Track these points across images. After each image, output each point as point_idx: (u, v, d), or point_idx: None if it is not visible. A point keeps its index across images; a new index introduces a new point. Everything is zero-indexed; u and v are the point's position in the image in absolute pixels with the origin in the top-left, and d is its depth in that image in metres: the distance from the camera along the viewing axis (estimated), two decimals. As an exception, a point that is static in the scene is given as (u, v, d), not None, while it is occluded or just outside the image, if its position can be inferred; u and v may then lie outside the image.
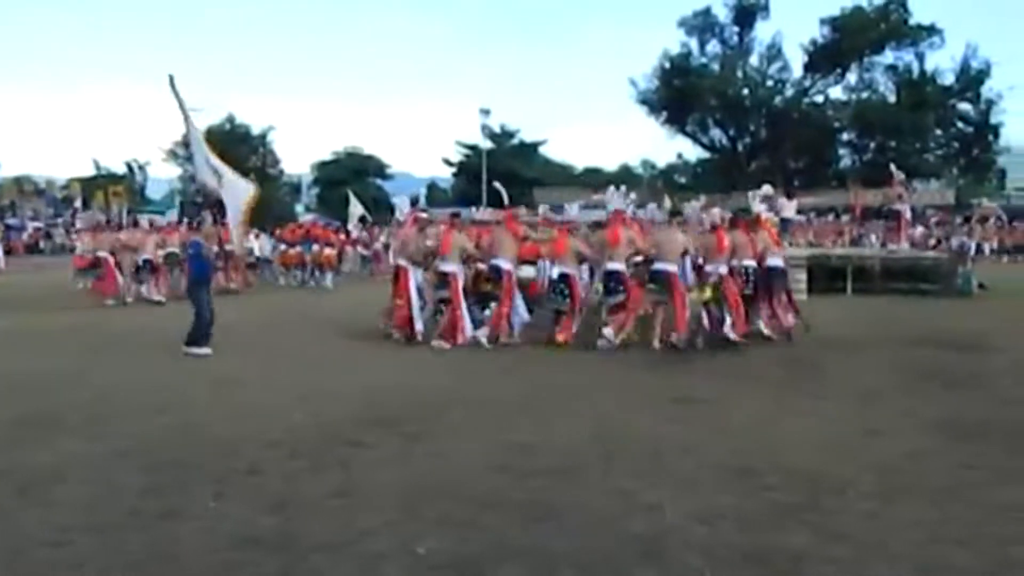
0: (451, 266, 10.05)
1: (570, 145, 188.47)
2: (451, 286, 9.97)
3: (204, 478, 4.80)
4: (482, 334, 9.85)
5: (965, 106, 47.43)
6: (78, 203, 46.05)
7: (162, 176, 57.30)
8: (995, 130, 46.88)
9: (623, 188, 11.26)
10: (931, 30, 46.70)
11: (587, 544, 3.86)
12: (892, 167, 19.18)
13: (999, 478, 4.81)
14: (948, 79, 46.91)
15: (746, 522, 4.12)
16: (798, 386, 7.62)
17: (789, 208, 20.55)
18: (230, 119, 56.08)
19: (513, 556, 3.73)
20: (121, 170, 53.07)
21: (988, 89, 46.31)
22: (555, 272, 10.29)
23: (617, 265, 9.95)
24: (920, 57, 47.16)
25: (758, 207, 11.46)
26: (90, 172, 52.14)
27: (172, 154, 55.34)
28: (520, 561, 3.68)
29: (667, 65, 49.95)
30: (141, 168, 54.57)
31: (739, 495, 4.52)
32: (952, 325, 11.64)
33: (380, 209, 35.57)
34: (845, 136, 50.61)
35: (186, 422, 6.18)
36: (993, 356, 9.15)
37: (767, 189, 11.42)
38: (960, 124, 47.80)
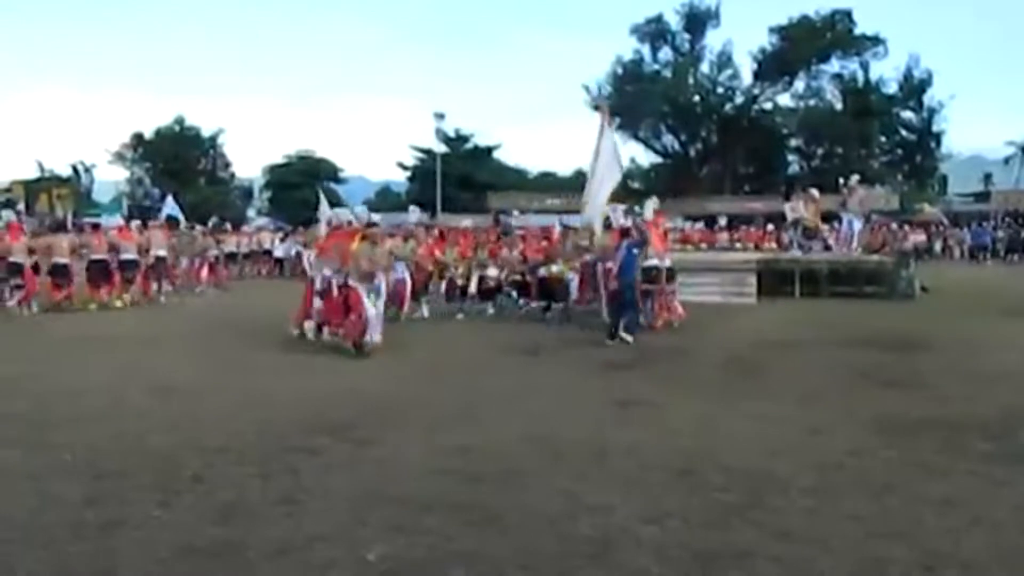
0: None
1: (524, 149, 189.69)
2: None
3: (147, 487, 4.70)
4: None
5: (908, 114, 48.94)
6: (20, 206, 44.61)
7: (109, 179, 55.96)
8: (937, 138, 48.51)
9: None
10: (875, 40, 48.13)
11: (534, 546, 3.89)
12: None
13: (932, 474, 4.98)
14: (892, 88, 48.46)
15: (693, 522, 4.19)
16: (741, 388, 7.73)
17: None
18: (179, 121, 55.11)
19: (461, 560, 3.74)
20: (66, 172, 51.58)
21: (930, 98, 48.05)
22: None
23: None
24: (865, 66, 48.65)
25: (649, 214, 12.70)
26: (33, 174, 50.59)
27: (119, 156, 54.24)
28: (468, 565, 3.70)
29: (620, 71, 50.56)
30: (87, 170, 53.07)
31: (685, 495, 4.60)
32: (893, 326, 11.97)
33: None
34: (793, 143, 51.77)
35: (127, 430, 6.03)
36: (931, 356, 9.43)
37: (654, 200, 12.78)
38: (904, 132, 49.30)
